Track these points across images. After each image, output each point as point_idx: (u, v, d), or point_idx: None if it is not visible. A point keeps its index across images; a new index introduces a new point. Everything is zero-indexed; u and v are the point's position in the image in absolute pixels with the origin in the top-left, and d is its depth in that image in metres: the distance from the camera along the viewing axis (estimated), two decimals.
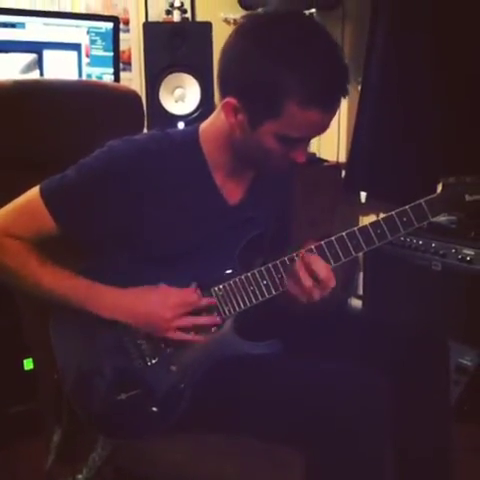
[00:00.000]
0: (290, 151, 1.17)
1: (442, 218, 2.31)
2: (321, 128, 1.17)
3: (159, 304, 1.19)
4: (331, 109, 1.13)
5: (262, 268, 1.22)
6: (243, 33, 1.13)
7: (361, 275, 2.62)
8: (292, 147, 1.17)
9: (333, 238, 1.20)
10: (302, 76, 1.07)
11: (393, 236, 1.20)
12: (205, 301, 1.22)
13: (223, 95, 1.16)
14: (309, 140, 1.21)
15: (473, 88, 2.47)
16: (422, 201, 1.19)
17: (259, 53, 1.08)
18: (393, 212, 1.20)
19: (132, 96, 1.55)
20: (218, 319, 1.23)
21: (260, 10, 2.43)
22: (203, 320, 1.22)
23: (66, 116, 1.41)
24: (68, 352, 1.23)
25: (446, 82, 2.50)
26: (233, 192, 1.29)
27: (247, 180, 1.31)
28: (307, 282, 1.17)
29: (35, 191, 1.20)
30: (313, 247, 1.20)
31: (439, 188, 1.23)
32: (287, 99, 1.08)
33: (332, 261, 1.20)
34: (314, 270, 1.17)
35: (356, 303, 2.82)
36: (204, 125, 1.26)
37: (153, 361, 1.22)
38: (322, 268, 1.17)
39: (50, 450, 1.32)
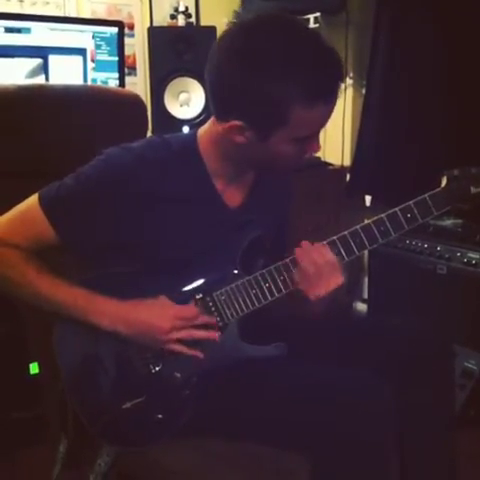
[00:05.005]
0: (304, 147, 1.18)
1: (447, 222, 2.30)
2: (329, 117, 1.16)
3: (158, 315, 1.18)
4: (333, 98, 1.13)
5: (264, 271, 1.22)
6: (227, 53, 1.09)
7: (366, 279, 2.62)
8: (305, 143, 1.17)
9: (335, 237, 1.19)
10: (297, 81, 1.07)
11: (397, 233, 1.18)
12: (204, 319, 1.21)
13: (223, 117, 1.14)
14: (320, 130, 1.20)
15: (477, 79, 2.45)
16: (426, 196, 1.17)
17: (248, 74, 1.07)
18: (397, 208, 1.18)
19: (136, 101, 1.55)
20: (217, 334, 1.21)
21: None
22: (201, 334, 1.20)
23: (70, 121, 1.41)
24: (72, 360, 1.22)
25: (450, 75, 2.48)
26: (233, 196, 1.29)
27: (247, 184, 1.31)
28: (310, 268, 1.16)
29: (34, 199, 1.19)
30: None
31: (443, 182, 1.20)
32: (291, 106, 1.08)
33: None
34: (315, 257, 1.16)
35: (361, 307, 2.81)
36: (202, 132, 1.25)
37: (157, 368, 1.22)
38: (324, 253, 1.17)
39: (56, 460, 1.32)
